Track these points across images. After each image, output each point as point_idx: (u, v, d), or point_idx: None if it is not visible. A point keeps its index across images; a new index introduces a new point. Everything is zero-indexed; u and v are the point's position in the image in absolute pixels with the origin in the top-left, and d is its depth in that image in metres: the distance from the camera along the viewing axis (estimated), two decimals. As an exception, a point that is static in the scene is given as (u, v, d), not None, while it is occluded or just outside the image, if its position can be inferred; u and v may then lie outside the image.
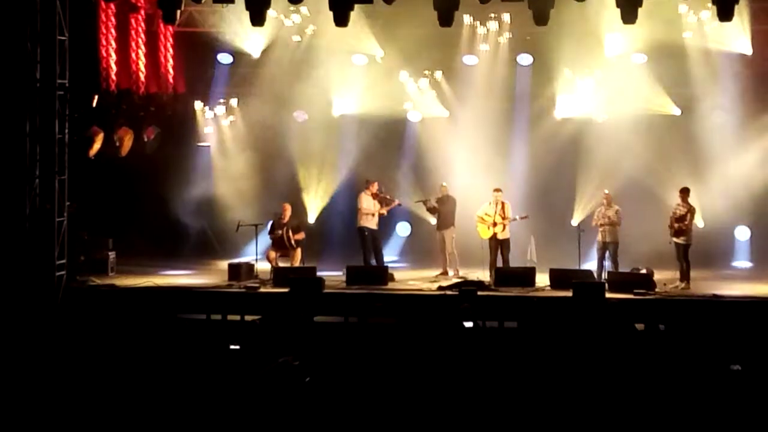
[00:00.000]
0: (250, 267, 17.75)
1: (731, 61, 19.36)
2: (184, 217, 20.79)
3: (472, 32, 20.00)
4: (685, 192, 16.99)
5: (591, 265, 17.62)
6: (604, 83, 19.77)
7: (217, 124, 21.20)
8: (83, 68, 17.80)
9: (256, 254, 18.24)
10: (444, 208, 18.49)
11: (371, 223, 18.23)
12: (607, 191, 17.90)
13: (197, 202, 20.91)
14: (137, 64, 19.86)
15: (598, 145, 20.00)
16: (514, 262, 17.97)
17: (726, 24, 16.32)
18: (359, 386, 8.07)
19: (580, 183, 20.12)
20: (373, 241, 18.25)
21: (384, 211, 18.54)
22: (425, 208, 19.04)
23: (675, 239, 16.83)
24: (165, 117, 20.47)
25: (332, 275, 17.49)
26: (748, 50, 19.08)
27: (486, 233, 17.82)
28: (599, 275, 17.10)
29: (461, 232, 18.46)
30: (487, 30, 19.98)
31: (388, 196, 18.58)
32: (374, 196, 18.30)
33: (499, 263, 17.62)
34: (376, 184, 18.44)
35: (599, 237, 17.54)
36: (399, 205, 18.92)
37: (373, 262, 18.17)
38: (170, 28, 19.79)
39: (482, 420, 7.45)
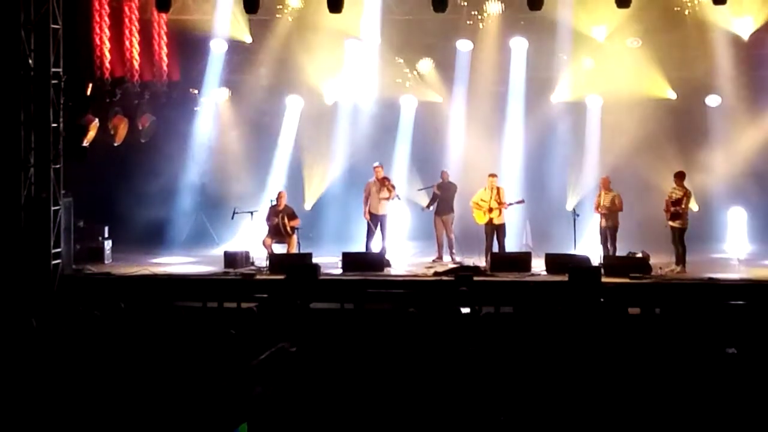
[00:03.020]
0: (245, 254, 17.74)
1: (728, 43, 19.35)
2: (180, 205, 20.78)
3: (467, 17, 19.95)
4: (680, 176, 17.00)
5: (592, 250, 17.60)
6: (600, 67, 19.76)
7: (211, 112, 21.16)
8: (77, 57, 17.75)
9: (252, 241, 18.23)
10: (445, 194, 18.44)
11: (376, 209, 18.11)
12: (604, 176, 17.92)
13: (192, 189, 20.90)
14: (131, 52, 19.79)
15: (593, 129, 20.03)
16: (510, 247, 17.98)
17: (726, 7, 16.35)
18: (355, 371, 8.09)
19: (575, 167, 20.14)
20: (378, 227, 18.15)
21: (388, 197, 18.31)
22: (429, 194, 18.85)
23: (671, 223, 16.82)
24: (159, 105, 20.44)
25: (328, 262, 17.51)
26: (746, 33, 19.05)
27: (482, 219, 17.81)
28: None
29: (456, 217, 18.43)
30: (481, 14, 19.94)
31: (393, 184, 18.36)
32: (380, 181, 18.20)
33: (495, 248, 17.65)
34: (381, 168, 18.29)
35: (601, 222, 17.56)
36: (397, 197, 18.78)
37: (377, 247, 18.09)
38: (164, 15, 19.68)
39: (478, 405, 7.47)
